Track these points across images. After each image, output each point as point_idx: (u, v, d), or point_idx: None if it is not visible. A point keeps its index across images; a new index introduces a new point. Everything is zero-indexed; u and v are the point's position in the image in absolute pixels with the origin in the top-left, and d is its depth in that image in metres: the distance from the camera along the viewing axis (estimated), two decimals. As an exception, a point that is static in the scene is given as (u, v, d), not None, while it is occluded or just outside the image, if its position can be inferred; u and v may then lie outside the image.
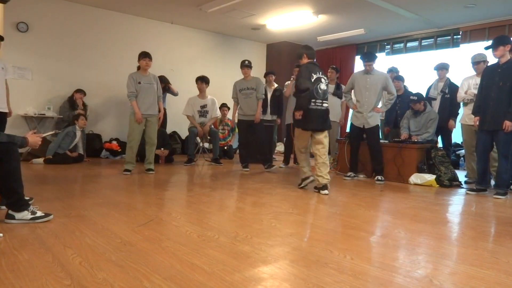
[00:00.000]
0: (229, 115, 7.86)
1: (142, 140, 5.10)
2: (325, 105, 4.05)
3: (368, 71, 5.01)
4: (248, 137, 5.66)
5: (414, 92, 6.01)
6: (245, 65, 5.63)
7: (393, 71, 6.23)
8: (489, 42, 4.24)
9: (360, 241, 2.36)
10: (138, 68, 5.08)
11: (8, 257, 1.88)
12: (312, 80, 3.96)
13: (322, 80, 4.05)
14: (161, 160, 6.10)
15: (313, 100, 3.97)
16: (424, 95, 5.89)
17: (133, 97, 4.88)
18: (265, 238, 2.33)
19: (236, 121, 5.91)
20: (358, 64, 8.85)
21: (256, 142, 5.67)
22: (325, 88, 4.06)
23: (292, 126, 6.04)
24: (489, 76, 4.12)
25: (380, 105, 5.14)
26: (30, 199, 3.08)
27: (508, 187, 4.17)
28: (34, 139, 2.51)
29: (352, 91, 5.22)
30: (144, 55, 4.98)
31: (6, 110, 4.43)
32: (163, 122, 6.57)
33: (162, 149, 6.13)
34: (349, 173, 5.17)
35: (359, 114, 5.06)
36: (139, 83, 4.91)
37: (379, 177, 4.93)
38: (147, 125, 5.02)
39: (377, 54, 5.37)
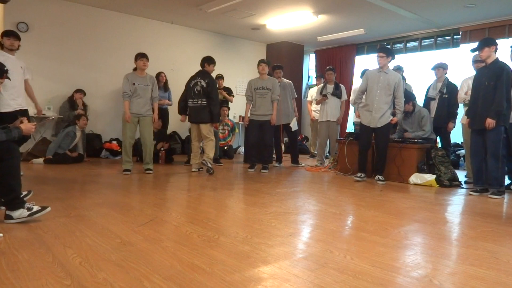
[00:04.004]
0: (232, 114, 7.89)
1: (140, 141, 5.11)
2: (199, 102, 5.13)
3: (381, 67, 4.82)
4: (258, 137, 5.61)
5: (414, 92, 6.02)
6: (264, 62, 5.63)
7: (399, 69, 6.22)
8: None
9: (360, 241, 2.36)
10: (135, 69, 5.06)
11: (8, 257, 1.88)
12: (191, 85, 5.22)
13: (198, 83, 5.16)
14: (161, 160, 6.09)
15: (190, 100, 5.22)
16: (424, 96, 5.89)
17: (127, 97, 4.88)
18: (265, 238, 2.33)
19: (247, 120, 5.76)
20: (358, 64, 8.85)
21: (264, 143, 5.66)
22: (201, 89, 5.12)
23: (282, 127, 6.09)
24: (478, 77, 4.22)
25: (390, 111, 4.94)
26: (28, 193, 3.08)
27: (502, 186, 4.17)
28: (27, 126, 2.55)
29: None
30: (142, 55, 4.98)
31: (25, 108, 4.39)
32: (163, 122, 6.59)
33: (162, 149, 6.14)
34: (359, 174, 4.97)
35: (367, 113, 4.87)
36: (134, 84, 4.90)
37: (380, 177, 4.90)
38: (141, 125, 5.01)
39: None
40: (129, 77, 4.95)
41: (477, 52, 4.22)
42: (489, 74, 4.04)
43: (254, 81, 5.67)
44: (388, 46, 8.35)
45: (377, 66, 4.89)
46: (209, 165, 5.07)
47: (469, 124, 4.29)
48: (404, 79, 6.18)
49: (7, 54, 4.16)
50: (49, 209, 2.57)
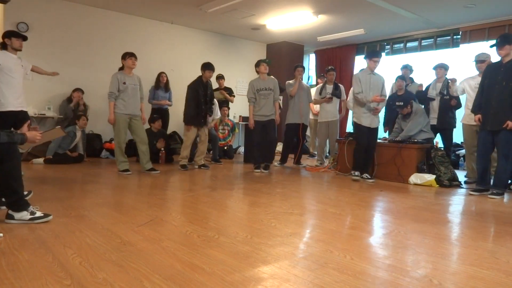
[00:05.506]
0: (232, 114, 7.89)
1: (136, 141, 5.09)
2: None
3: (372, 70, 5.04)
4: (263, 138, 5.60)
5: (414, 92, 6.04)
6: (266, 62, 5.61)
7: (406, 68, 6.24)
8: (490, 42, 4.23)
9: (360, 241, 2.36)
10: (121, 68, 4.99)
11: (8, 257, 1.88)
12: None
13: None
14: (161, 160, 6.09)
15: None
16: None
17: (113, 98, 4.79)
18: (265, 238, 2.33)
19: (252, 123, 5.63)
20: (358, 64, 8.85)
21: (269, 141, 5.66)
22: None
23: (302, 126, 6.06)
24: (492, 75, 4.05)
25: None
26: (29, 193, 3.08)
27: (506, 188, 4.16)
28: (32, 134, 2.47)
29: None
30: (131, 54, 4.91)
31: (25, 109, 4.36)
32: (164, 122, 6.59)
33: (163, 149, 6.14)
34: (357, 173, 5.01)
35: (366, 114, 5.03)
36: (124, 83, 4.83)
37: (369, 175, 5.03)
38: (135, 126, 4.96)
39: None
40: (119, 76, 4.84)
41: (485, 51, 4.15)
42: (508, 74, 3.90)
43: (256, 82, 5.59)
44: (388, 46, 8.37)
45: (365, 68, 5.14)
46: (186, 167, 5.53)
47: (480, 123, 4.17)
48: (412, 80, 6.19)
49: (10, 54, 4.17)
50: (51, 217, 2.56)
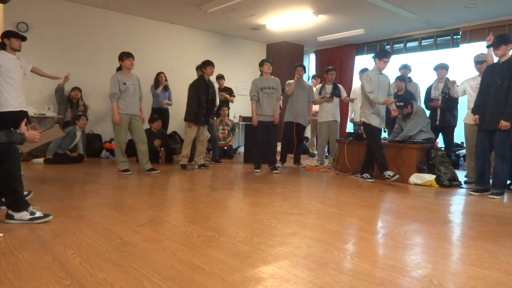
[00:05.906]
0: (232, 114, 7.89)
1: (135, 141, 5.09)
2: None
3: (380, 70, 4.97)
4: (265, 138, 5.60)
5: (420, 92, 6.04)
6: (269, 61, 5.63)
7: (406, 67, 6.23)
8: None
9: (360, 241, 2.36)
10: (119, 68, 4.98)
11: (8, 257, 1.88)
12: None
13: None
14: (161, 160, 6.09)
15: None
16: (423, 96, 5.89)
17: (115, 98, 4.79)
18: (265, 238, 2.33)
19: (256, 121, 5.59)
20: (358, 64, 8.85)
21: (270, 143, 5.65)
22: None
23: (295, 125, 6.04)
24: (490, 75, 4.10)
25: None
26: (29, 193, 3.08)
27: (505, 187, 4.17)
28: (31, 134, 2.45)
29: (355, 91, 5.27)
30: (129, 55, 4.91)
31: (26, 109, 4.35)
32: (164, 122, 6.59)
33: (163, 149, 6.14)
34: (391, 172, 4.86)
35: (374, 115, 4.99)
36: (124, 84, 4.83)
37: (368, 175, 5.05)
38: (134, 125, 4.95)
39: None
40: (119, 77, 4.84)
41: (483, 52, 4.18)
42: (503, 73, 3.93)
43: (259, 81, 5.61)
44: (388, 46, 8.37)
45: (374, 68, 5.05)
46: (186, 167, 5.53)
47: (477, 123, 4.20)
48: (410, 79, 6.19)
49: (8, 54, 4.17)
50: (51, 217, 2.56)
